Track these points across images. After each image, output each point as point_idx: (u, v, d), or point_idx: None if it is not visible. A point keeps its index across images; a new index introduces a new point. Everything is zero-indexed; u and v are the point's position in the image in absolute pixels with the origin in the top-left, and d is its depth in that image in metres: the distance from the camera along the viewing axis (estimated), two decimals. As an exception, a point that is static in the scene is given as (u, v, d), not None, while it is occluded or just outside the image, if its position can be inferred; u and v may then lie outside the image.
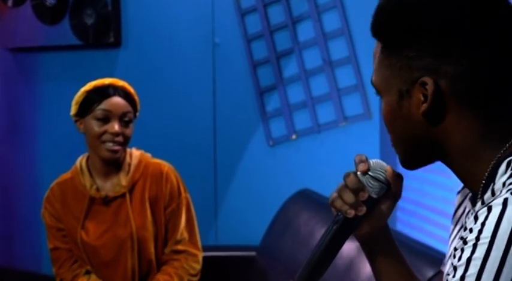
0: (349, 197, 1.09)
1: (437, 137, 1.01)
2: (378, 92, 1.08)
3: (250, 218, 3.47)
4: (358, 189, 1.09)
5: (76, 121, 2.31)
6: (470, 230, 0.92)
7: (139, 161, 2.35)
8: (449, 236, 1.16)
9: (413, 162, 1.08)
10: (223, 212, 3.56)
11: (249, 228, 3.44)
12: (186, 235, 2.37)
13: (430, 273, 1.71)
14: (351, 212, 1.09)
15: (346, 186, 1.10)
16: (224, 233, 3.55)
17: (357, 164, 1.12)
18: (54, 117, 3.85)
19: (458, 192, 1.18)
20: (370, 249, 1.17)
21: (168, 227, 2.36)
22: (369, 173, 1.10)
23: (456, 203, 1.17)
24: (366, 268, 1.82)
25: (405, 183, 1.14)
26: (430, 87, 0.98)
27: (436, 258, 1.82)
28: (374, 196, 1.10)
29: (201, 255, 2.40)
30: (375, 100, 3.20)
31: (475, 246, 0.90)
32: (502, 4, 1.00)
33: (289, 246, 2.52)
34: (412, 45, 0.99)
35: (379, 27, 1.04)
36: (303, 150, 3.37)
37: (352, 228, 1.12)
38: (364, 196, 1.09)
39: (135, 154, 2.37)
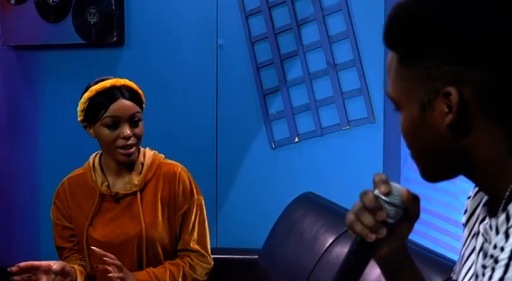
0: (368, 219, 1.04)
1: (462, 149, 0.97)
2: (396, 105, 1.02)
3: (251, 221, 3.45)
4: (376, 208, 1.04)
5: (85, 127, 2.28)
6: (502, 249, 0.90)
7: (153, 161, 2.33)
8: (463, 244, 1.13)
9: (435, 175, 1.04)
10: (224, 215, 3.54)
11: (250, 231, 3.41)
12: (195, 236, 2.35)
13: (438, 280, 1.69)
14: (372, 237, 1.05)
15: (364, 207, 1.05)
16: (225, 236, 3.53)
17: (376, 184, 1.07)
18: (55, 117, 3.83)
19: (469, 197, 1.15)
20: (388, 270, 1.14)
21: (179, 228, 2.34)
22: (385, 198, 1.05)
23: (468, 210, 1.13)
24: (371, 275, 1.80)
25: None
26: (454, 97, 0.94)
27: (444, 265, 1.80)
28: (390, 221, 1.06)
29: (209, 258, 2.37)
30: (379, 104, 3.18)
31: (507, 266, 0.88)
32: None
33: (293, 250, 2.50)
34: (431, 54, 0.95)
35: (394, 37, 0.99)
36: (305, 153, 3.36)
37: (373, 251, 1.08)
38: (382, 216, 1.04)
39: (148, 153, 2.35)
